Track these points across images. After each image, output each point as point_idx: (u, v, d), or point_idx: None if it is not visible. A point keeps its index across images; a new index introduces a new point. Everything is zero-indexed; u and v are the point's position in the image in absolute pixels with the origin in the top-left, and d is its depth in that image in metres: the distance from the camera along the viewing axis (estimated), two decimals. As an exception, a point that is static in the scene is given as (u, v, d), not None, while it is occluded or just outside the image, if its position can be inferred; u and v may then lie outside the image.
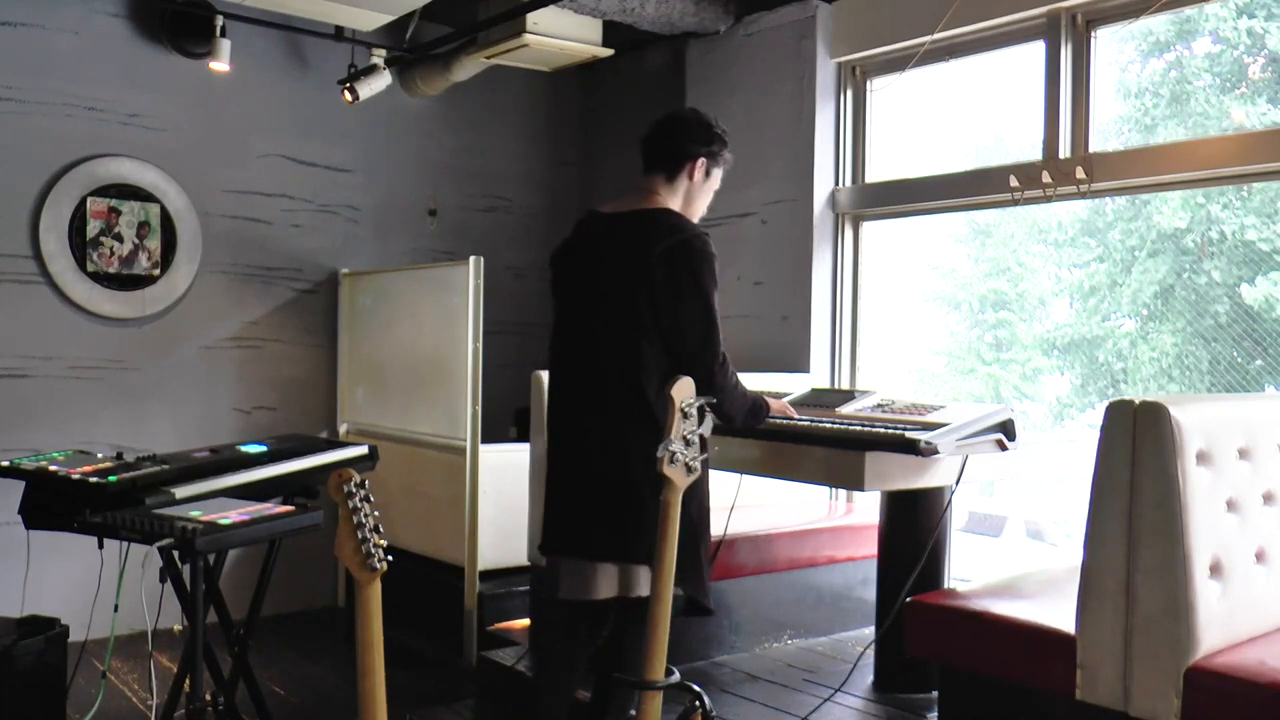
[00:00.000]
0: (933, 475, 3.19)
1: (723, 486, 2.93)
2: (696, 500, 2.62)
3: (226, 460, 3.03)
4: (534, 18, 4.62)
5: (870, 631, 3.79)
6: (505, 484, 4.40)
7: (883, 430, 3.06)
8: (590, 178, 6.13)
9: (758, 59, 4.95)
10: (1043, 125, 4.04)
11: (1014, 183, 4.04)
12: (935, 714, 3.03)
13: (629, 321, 2.66)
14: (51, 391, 4.66)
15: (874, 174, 4.77)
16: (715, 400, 2.55)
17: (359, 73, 5.05)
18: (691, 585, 2.66)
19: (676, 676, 2.37)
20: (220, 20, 4.77)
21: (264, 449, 3.17)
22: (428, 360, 4.75)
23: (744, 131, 4.73)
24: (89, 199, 4.72)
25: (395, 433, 4.95)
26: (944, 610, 2.78)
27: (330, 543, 1.94)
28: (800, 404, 3.49)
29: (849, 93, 4.79)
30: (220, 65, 4.78)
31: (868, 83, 4.77)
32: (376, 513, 1.89)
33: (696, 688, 2.51)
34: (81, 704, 3.62)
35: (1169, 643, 2.26)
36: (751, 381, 2.98)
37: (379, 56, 5.07)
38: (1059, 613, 2.54)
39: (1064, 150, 3.97)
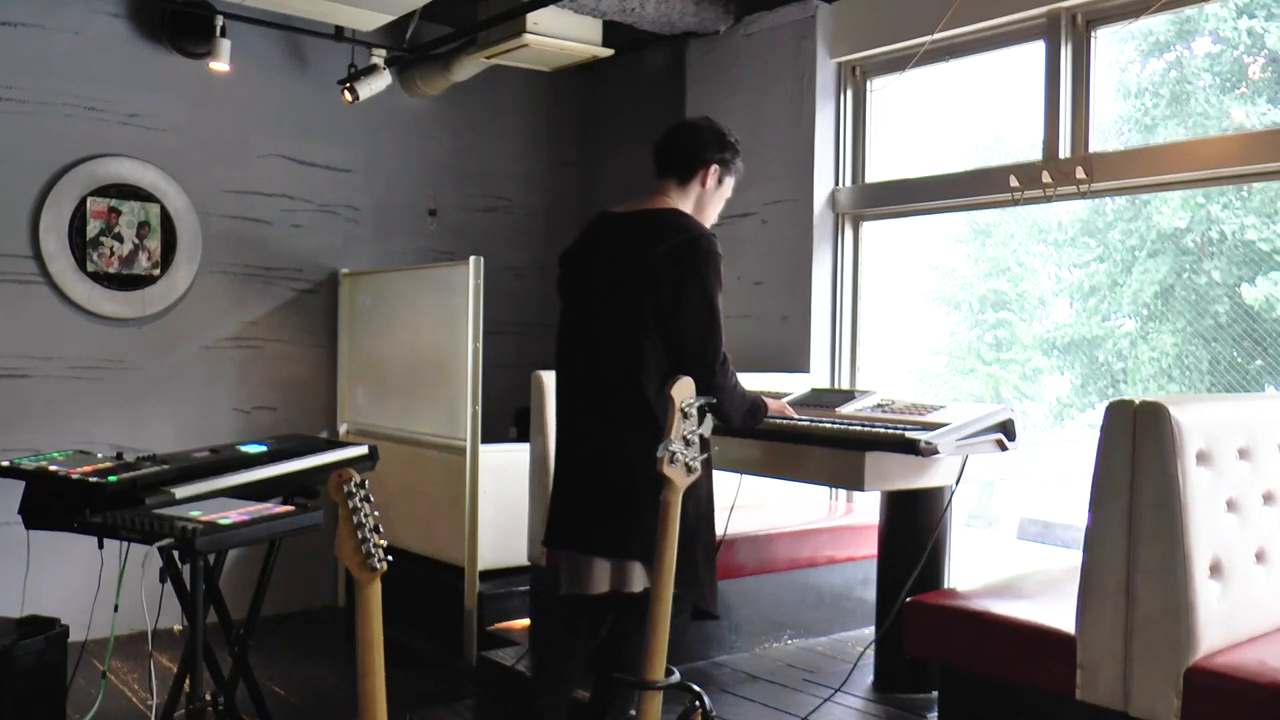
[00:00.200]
0: (933, 475, 3.19)
1: (723, 486, 2.93)
2: (694, 501, 2.62)
3: (226, 460, 3.03)
4: (534, 18, 4.63)
5: (870, 631, 3.78)
6: (505, 484, 4.40)
7: (883, 430, 3.06)
8: (590, 178, 6.13)
9: (758, 59, 4.95)
10: (1043, 125, 4.04)
11: (1014, 183, 4.03)
12: (935, 714, 3.03)
13: (631, 319, 2.66)
14: (51, 391, 4.66)
15: (874, 174, 4.76)
16: (715, 400, 2.55)
17: (359, 73, 5.05)
18: (686, 586, 2.66)
19: (676, 676, 2.37)
20: (220, 20, 4.77)
21: (264, 449, 3.17)
22: (428, 360, 4.75)
23: (744, 131, 4.65)
24: (89, 199, 4.72)
25: (395, 433, 4.94)
26: (944, 610, 2.78)
27: (330, 543, 1.94)
28: (800, 404, 3.50)
29: (849, 93, 4.79)
30: (220, 65, 4.78)
31: (868, 83, 4.77)
32: (376, 513, 1.88)
33: (696, 688, 2.50)
34: (81, 704, 3.61)
35: (1169, 643, 2.26)
36: (751, 381, 2.99)
37: (379, 56, 5.07)
38: (1059, 613, 2.54)
39: (1064, 150, 3.96)
